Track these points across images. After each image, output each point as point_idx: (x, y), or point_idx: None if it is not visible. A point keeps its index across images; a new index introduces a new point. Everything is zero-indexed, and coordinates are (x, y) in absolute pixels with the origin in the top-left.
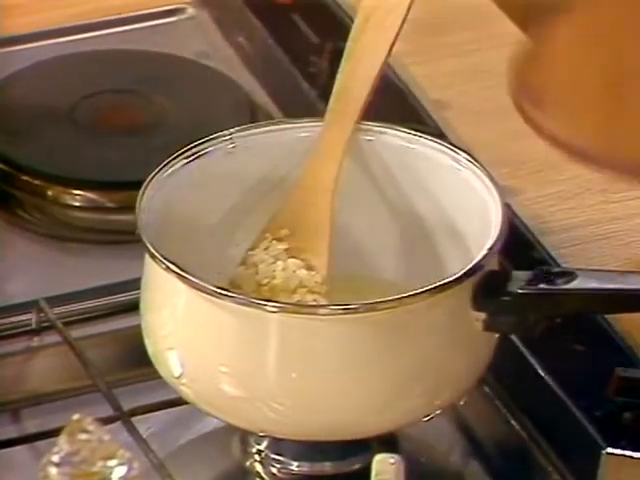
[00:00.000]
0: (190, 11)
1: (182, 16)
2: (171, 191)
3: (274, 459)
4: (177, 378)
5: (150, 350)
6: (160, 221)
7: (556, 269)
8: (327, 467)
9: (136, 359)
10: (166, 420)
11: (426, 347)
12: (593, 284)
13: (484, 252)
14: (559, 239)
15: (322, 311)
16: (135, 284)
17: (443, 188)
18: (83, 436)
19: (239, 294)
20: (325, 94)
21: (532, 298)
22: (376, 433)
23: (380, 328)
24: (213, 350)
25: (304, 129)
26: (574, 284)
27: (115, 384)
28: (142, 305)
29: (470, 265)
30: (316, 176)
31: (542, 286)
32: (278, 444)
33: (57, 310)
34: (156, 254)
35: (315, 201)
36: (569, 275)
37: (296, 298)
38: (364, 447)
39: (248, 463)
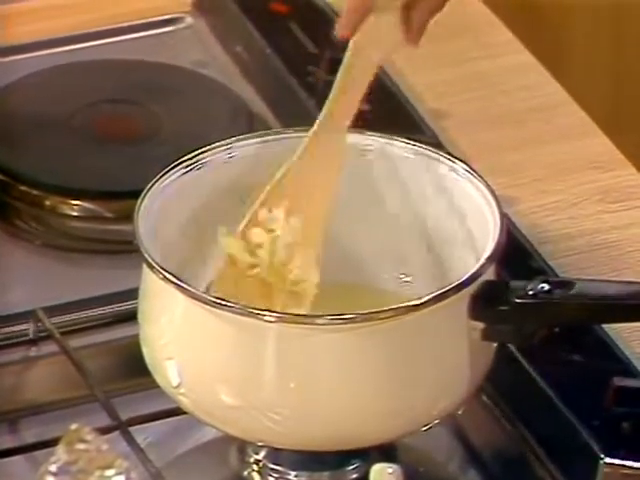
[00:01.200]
0: (188, 20)
1: (180, 25)
2: (169, 201)
3: (272, 469)
4: (175, 388)
5: (148, 360)
6: (158, 231)
7: (554, 279)
8: (325, 477)
9: (134, 369)
10: (164, 430)
11: (424, 357)
12: (591, 294)
13: (482, 261)
14: (557, 248)
15: (320, 321)
16: (133, 294)
17: (441, 198)
18: (81, 446)
19: (237, 304)
20: (323, 103)
21: (530, 308)
22: (374, 443)
23: (378, 338)
24: (211, 360)
25: (302, 138)
26: (572, 293)
27: (113, 394)
28: (140, 315)
29: (468, 274)
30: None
31: (540, 296)
32: (276, 454)
33: (55, 320)
34: (154, 264)
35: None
36: (567, 285)
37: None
38: (362, 456)
39: (246, 473)
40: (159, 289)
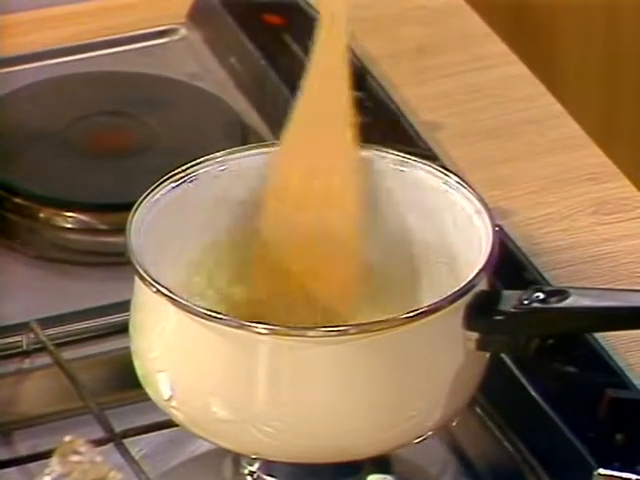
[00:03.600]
0: (182, 32)
1: (174, 37)
2: (161, 214)
3: None
4: (167, 401)
5: (140, 372)
6: (150, 243)
7: (549, 288)
8: None
9: (128, 381)
10: (158, 442)
11: (419, 368)
12: (587, 302)
13: (475, 272)
14: (551, 260)
15: (312, 333)
16: (127, 306)
17: (434, 210)
18: (75, 458)
19: (229, 317)
20: None
21: (525, 317)
22: (368, 455)
23: (371, 350)
24: (203, 373)
25: None
26: (567, 302)
27: (107, 406)
28: (131, 327)
29: (461, 285)
30: None
31: (535, 305)
32: (270, 465)
33: (48, 332)
34: (146, 276)
35: None
36: (562, 293)
37: None
38: (356, 468)
39: None
40: (151, 302)
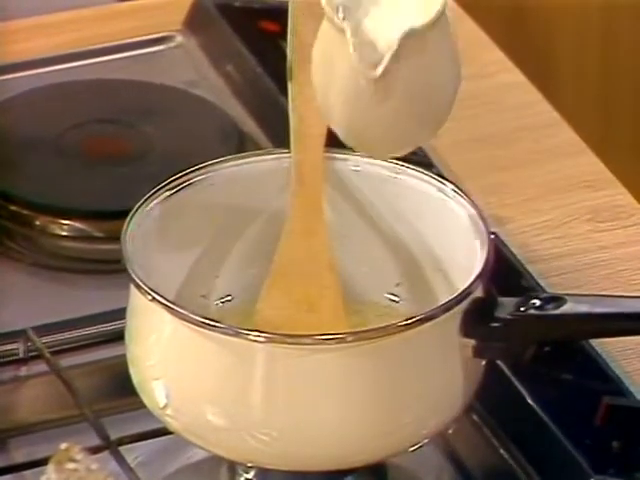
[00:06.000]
0: (178, 39)
1: (170, 44)
2: (156, 221)
3: None
4: (162, 409)
5: (135, 380)
6: (146, 251)
7: (545, 294)
8: None
9: (124, 388)
10: (154, 449)
11: (415, 375)
12: (583, 309)
13: (471, 279)
14: (547, 268)
15: (309, 341)
16: (123, 313)
17: (429, 218)
18: (71, 465)
19: (225, 324)
20: None
21: (522, 324)
22: (364, 463)
23: (367, 357)
24: (199, 381)
25: (288, 158)
26: (564, 309)
27: (103, 413)
28: (127, 335)
29: (458, 292)
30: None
31: (532, 312)
32: (266, 473)
33: (45, 339)
34: (141, 284)
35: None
36: (558, 300)
37: None
38: (352, 476)
39: None
40: (147, 309)
